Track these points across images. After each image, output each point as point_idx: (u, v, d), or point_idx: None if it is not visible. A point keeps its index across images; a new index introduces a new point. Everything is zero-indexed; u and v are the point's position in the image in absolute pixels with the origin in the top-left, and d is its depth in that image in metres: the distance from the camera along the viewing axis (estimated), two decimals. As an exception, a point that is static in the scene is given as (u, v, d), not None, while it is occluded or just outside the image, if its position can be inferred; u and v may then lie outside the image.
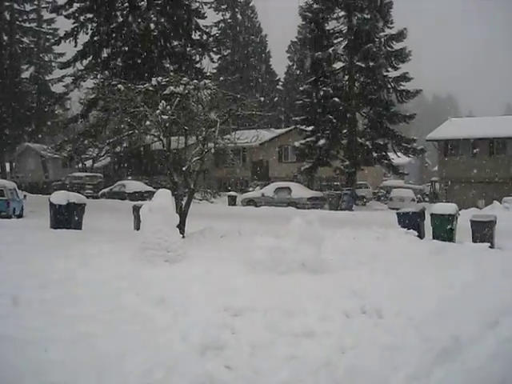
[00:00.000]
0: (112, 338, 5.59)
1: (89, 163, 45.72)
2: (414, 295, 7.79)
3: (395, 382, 5.00)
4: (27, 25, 52.33)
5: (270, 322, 6.25)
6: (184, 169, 14.67)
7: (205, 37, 40.17)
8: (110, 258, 9.87)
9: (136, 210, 15.27)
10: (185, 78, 14.72)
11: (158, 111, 13.78)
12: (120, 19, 37.51)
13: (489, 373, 5.20)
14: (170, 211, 10.31)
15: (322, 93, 34.43)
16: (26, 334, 5.52)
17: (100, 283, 7.87)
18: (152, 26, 37.54)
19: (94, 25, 37.24)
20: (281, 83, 64.34)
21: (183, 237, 12.28)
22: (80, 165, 47.36)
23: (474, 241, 14.14)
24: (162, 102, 13.94)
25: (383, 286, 8.34)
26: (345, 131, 34.98)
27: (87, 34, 37.30)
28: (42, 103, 51.29)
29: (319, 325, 6.26)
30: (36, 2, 52.12)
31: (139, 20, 36.37)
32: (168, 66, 37.75)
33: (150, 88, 14.32)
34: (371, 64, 33.72)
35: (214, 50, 42.11)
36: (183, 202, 14.57)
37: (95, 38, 37.21)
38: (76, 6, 36.78)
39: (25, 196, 22.72)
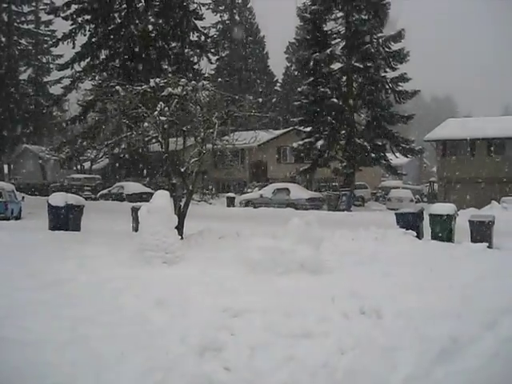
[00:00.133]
0: (110, 340, 5.58)
1: (87, 165, 45.73)
2: (412, 295, 7.79)
3: (394, 382, 4.99)
4: (25, 26, 52.27)
5: (269, 323, 6.24)
6: (182, 170, 14.67)
7: (203, 38, 40.25)
8: (108, 259, 9.86)
9: (134, 211, 15.28)
10: (183, 80, 14.71)
11: (156, 113, 13.77)
12: (118, 21, 37.56)
13: (488, 373, 5.20)
14: (168, 213, 10.31)
15: (320, 94, 34.44)
16: (24, 335, 5.51)
17: (98, 284, 7.86)
18: (150, 27, 37.60)
19: (92, 26, 37.29)
20: (279, 84, 64.37)
21: (182, 238, 12.27)
22: (78, 166, 47.36)
23: (473, 241, 14.14)
24: (160, 103, 13.93)
25: (382, 286, 8.34)
26: (343, 132, 34.96)
27: (85, 35, 37.40)
28: (40, 105, 51.20)
29: (318, 326, 6.25)
30: (34, 4, 52.07)
31: (137, 21, 36.40)
32: (166, 67, 37.77)
33: (148, 89, 14.31)
34: (369, 65, 33.75)
35: (212, 51, 42.13)
36: (182, 204, 14.57)
37: (93, 40, 37.24)
38: (74, 7, 36.85)
39: (23, 198, 22.68)
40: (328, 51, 34.60)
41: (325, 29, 36.07)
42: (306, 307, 6.87)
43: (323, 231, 10.56)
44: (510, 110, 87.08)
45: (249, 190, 39.48)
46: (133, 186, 35.29)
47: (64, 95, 40.99)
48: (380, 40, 35.16)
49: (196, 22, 39.17)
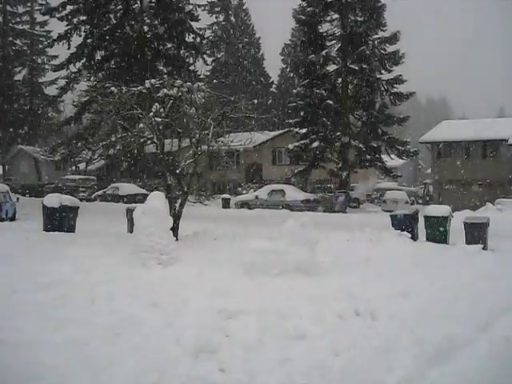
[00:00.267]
0: (105, 341, 5.56)
1: (82, 166, 45.53)
2: (407, 297, 7.81)
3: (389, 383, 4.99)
4: (20, 27, 52.21)
5: (264, 325, 6.23)
6: (178, 171, 14.65)
7: (198, 39, 40.24)
8: (103, 260, 9.83)
9: (129, 212, 15.22)
10: (178, 81, 14.70)
11: (151, 114, 13.77)
12: (113, 21, 37.50)
13: (482, 374, 5.21)
14: (163, 214, 10.28)
15: (315, 95, 34.47)
16: (18, 336, 5.49)
17: (93, 286, 7.83)
18: (145, 28, 37.54)
19: (88, 27, 37.21)
20: (274, 85, 64.41)
21: (177, 239, 12.26)
22: (73, 167, 47.19)
23: (468, 243, 14.16)
24: (156, 104, 13.93)
25: (377, 288, 8.35)
26: (338, 134, 34.99)
27: (80, 36, 37.29)
28: (35, 105, 51.13)
29: (313, 327, 6.24)
30: (29, 4, 51.99)
31: (133, 22, 36.38)
32: (161, 68, 37.78)
33: (144, 90, 14.29)
34: (365, 66, 33.80)
35: (208, 52, 42.16)
36: (177, 205, 14.55)
37: (88, 41, 37.15)
38: (69, 8, 36.76)
39: (18, 199, 22.58)
40: (323, 53, 34.66)
41: (320, 30, 36.12)
42: (300, 309, 6.87)
43: (318, 233, 10.56)
44: (505, 112, 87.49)
45: (244, 192, 39.47)
46: (128, 187, 35.25)
47: (59, 96, 40.88)
48: (375, 42, 35.26)
49: (192, 23, 39.15)
